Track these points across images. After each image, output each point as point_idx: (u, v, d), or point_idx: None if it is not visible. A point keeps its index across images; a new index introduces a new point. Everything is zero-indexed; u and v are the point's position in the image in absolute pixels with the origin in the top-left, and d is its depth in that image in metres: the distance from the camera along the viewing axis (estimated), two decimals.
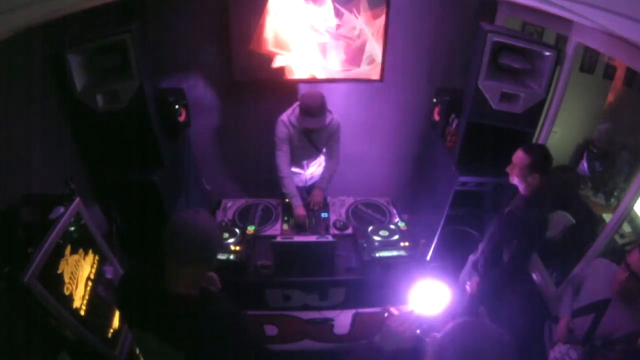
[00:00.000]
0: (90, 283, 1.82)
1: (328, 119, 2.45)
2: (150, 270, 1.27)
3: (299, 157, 2.66)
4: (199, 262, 1.21)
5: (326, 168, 2.70)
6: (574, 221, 2.79)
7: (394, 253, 2.19)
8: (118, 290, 1.37)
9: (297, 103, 2.41)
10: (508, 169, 2.00)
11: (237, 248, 2.18)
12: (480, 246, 2.30)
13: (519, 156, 1.94)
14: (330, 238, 2.17)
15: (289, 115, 2.47)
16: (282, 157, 2.51)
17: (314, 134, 2.50)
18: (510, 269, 2.08)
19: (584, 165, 3.01)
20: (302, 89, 2.96)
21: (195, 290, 1.24)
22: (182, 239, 1.17)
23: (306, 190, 2.84)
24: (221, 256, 2.11)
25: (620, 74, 2.84)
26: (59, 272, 1.59)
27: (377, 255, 2.16)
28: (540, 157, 1.91)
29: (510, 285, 2.37)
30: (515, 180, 1.98)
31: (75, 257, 1.73)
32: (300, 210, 2.50)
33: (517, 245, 2.01)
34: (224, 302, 1.32)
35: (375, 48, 2.77)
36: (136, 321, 1.31)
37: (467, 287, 2.31)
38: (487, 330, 0.86)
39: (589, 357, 1.74)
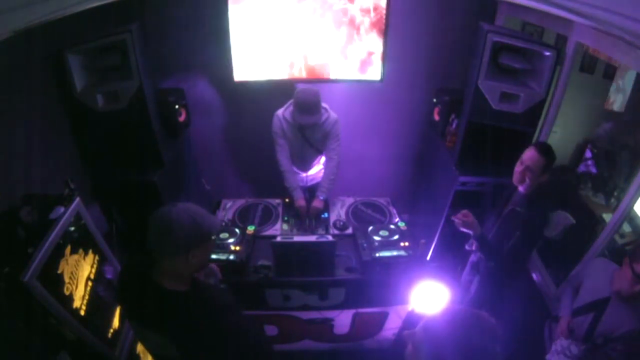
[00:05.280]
0: (90, 283, 1.81)
1: (324, 117, 2.44)
2: (145, 264, 1.28)
3: (298, 156, 2.65)
4: (172, 253, 1.20)
5: (325, 175, 2.62)
6: (574, 221, 2.79)
7: (394, 253, 2.19)
8: (118, 284, 1.41)
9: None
10: (519, 172, 1.91)
11: (237, 248, 2.17)
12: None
13: (533, 158, 1.85)
14: (330, 238, 2.17)
15: (283, 110, 2.48)
16: (280, 151, 2.53)
17: (308, 130, 2.49)
18: (509, 261, 2.03)
19: (584, 165, 3.02)
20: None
21: (183, 285, 1.26)
22: (154, 229, 1.20)
23: (307, 191, 2.83)
24: (221, 256, 2.11)
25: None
26: (59, 272, 1.59)
27: (377, 255, 2.16)
28: (552, 156, 1.88)
29: (510, 282, 2.36)
30: (526, 182, 1.90)
31: (75, 257, 1.73)
32: (300, 201, 2.52)
33: (518, 238, 1.95)
34: (217, 298, 1.34)
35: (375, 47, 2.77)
36: (130, 314, 1.35)
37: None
38: (482, 321, 0.87)
39: (590, 354, 1.74)
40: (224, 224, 2.43)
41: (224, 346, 1.25)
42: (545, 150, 1.88)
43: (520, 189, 1.99)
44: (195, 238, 1.21)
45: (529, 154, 1.88)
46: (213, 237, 1.30)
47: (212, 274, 1.59)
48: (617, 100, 2.63)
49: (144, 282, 1.25)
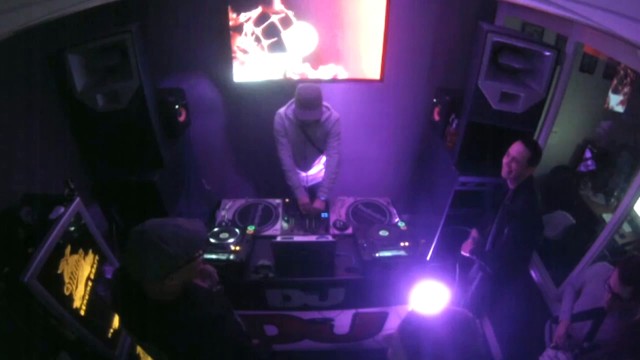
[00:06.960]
0: (90, 283, 1.82)
1: (325, 115, 2.45)
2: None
3: (299, 154, 2.65)
4: (148, 278, 1.16)
5: (326, 174, 2.63)
6: (574, 221, 2.79)
7: (394, 253, 2.19)
8: (111, 293, 1.40)
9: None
10: (505, 163, 2.01)
11: (237, 248, 2.17)
12: (487, 244, 2.28)
13: (519, 150, 1.96)
14: (330, 238, 2.17)
15: (285, 108, 2.50)
16: (282, 150, 2.54)
17: (310, 129, 2.50)
18: (505, 256, 2.09)
19: (584, 165, 3.02)
20: None
21: (174, 295, 1.22)
22: (128, 256, 1.16)
23: (308, 191, 2.83)
24: (221, 256, 2.11)
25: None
26: (59, 272, 1.59)
27: (377, 255, 2.16)
28: (537, 150, 1.97)
29: (510, 281, 2.36)
30: (512, 174, 1.99)
31: (75, 257, 1.73)
32: (304, 199, 2.54)
33: (508, 233, 2.04)
34: (210, 304, 1.31)
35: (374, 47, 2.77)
36: (127, 326, 1.35)
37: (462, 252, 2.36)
38: (472, 323, 0.89)
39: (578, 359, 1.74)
40: (223, 224, 2.43)
41: (215, 353, 1.25)
42: (531, 143, 1.98)
43: (510, 185, 2.07)
44: (171, 264, 1.14)
45: (515, 147, 1.99)
46: (198, 255, 1.22)
47: (208, 277, 1.52)
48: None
49: (137, 293, 1.21)
